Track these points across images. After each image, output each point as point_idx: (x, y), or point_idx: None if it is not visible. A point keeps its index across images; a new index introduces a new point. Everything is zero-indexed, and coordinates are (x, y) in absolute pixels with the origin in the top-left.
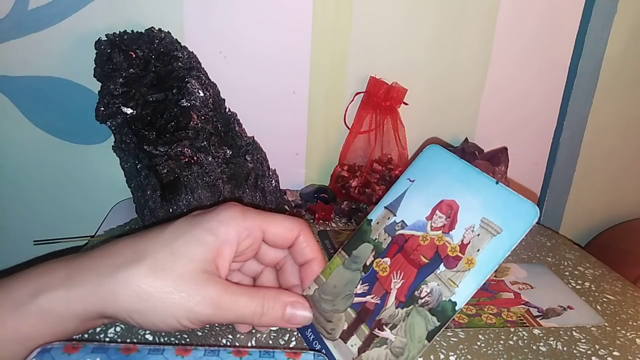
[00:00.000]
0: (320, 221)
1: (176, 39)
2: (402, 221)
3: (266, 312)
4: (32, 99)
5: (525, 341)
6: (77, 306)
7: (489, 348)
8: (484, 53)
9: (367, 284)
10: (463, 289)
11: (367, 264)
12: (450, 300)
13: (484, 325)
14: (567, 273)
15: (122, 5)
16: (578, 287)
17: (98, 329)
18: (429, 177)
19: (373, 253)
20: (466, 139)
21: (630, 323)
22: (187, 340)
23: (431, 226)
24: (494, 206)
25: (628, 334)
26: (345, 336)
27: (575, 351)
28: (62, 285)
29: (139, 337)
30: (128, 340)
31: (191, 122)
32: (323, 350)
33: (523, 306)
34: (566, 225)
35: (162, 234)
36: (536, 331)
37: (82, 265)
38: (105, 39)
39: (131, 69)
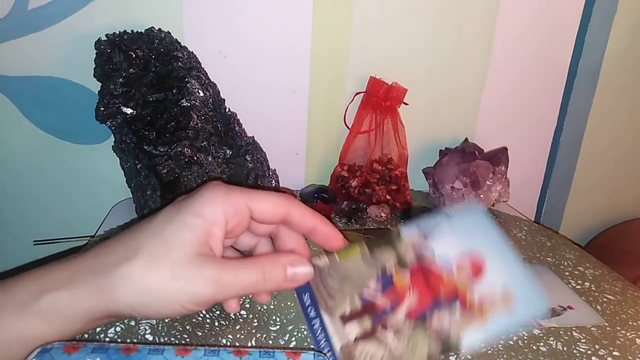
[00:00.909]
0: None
1: (176, 39)
2: (432, 249)
3: (268, 278)
4: (32, 99)
5: (525, 341)
6: (80, 307)
7: (488, 348)
8: (483, 53)
9: (381, 285)
10: (470, 337)
11: (387, 267)
12: (456, 340)
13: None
14: (567, 273)
15: (122, 5)
16: (578, 287)
17: (98, 329)
18: (466, 225)
19: (395, 261)
20: (466, 139)
21: (630, 323)
22: (187, 340)
23: (457, 267)
24: (516, 282)
25: (628, 334)
26: (345, 320)
27: (575, 351)
28: (64, 286)
29: (139, 337)
30: (128, 340)
31: (191, 122)
32: (318, 318)
33: None
34: (566, 225)
35: (150, 224)
36: (536, 331)
37: (81, 267)
38: (105, 39)
39: (131, 69)
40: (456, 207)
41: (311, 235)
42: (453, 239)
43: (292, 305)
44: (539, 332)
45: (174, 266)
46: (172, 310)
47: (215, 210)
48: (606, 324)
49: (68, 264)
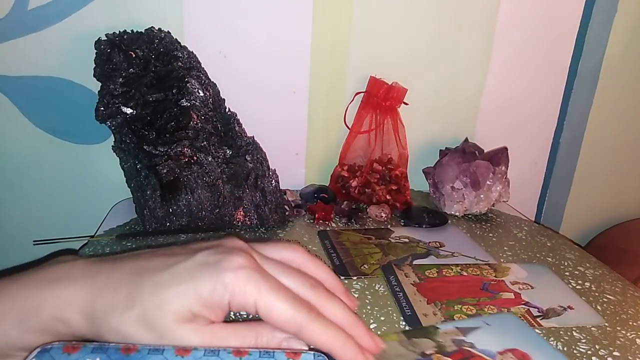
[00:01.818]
0: (320, 221)
1: (176, 39)
2: (472, 343)
3: (260, 347)
4: (32, 99)
5: None
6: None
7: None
8: (484, 53)
9: None
10: None
11: (427, 353)
12: None
13: None
14: (567, 273)
15: (122, 5)
16: (578, 287)
17: None
18: (506, 327)
19: (435, 349)
20: (466, 139)
21: (630, 323)
22: None
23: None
24: None
25: (628, 334)
26: None
27: (575, 351)
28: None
29: None
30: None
31: (191, 122)
32: None
33: (523, 306)
34: (566, 225)
35: (160, 274)
36: (537, 331)
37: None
38: (105, 38)
39: (131, 69)
40: (492, 316)
41: None
42: (494, 338)
43: None
44: (540, 332)
45: (164, 332)
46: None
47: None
48: (606, 324)
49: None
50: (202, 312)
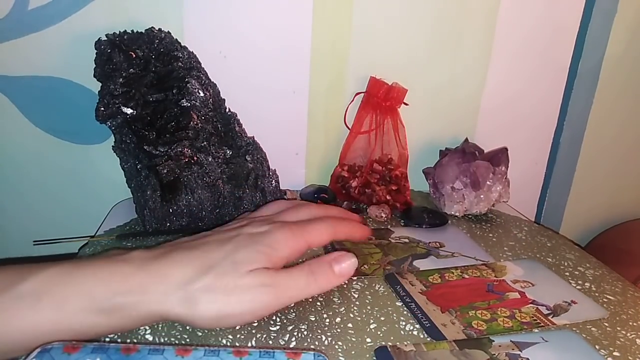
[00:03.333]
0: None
1: (176, 39)
2: (528, 359)
3: (318, 277)
4: (32, 99)
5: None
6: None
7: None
8: (484, 53)
9: None
10: None
11: None
12: None
13: (502, 330)
14: (567, 273)
15: (122, 5)
16: (578, 287)
17: None
18: (565, 346)
19: None
20: (466, 139)
21: (630, 323)
22: (187, 340)
23: None
24: None
25: (628, 334)
26: None
27: None
28: (136, 290)
29: (139, 337)
30: (128, 340)
31: (191, 122)
32: None
33: (532, 305)
34: (566, 226)
35: (224, 246)
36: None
37: (154, 268)
38: (105, 39)
39: (131, 69)
40: (551, 332)
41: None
42: (552, 355)
43: (292, 305)
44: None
45: (236, 280)
46: (234, 321)
47: (285, 249)
48: (606, 324)
49: (135, 262)
50: (265, 265)
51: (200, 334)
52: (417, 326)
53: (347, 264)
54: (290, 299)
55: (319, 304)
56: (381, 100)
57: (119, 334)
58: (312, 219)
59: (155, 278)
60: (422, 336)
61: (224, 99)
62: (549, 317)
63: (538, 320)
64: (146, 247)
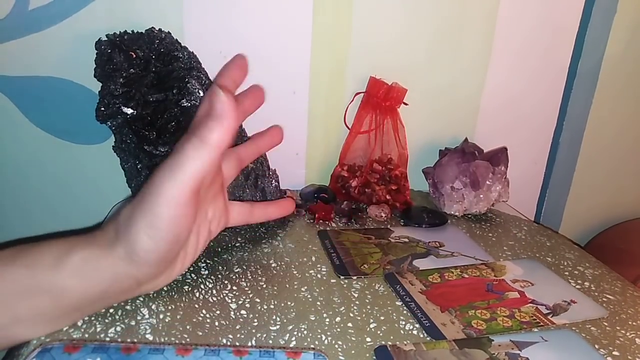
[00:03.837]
0: (320, 221)
1: (176, 39)
2: (527, 358)
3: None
4: (32, 99)
5: None
6: (105, 262)
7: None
8: (483, 53)
9: None
10: None
11: None
12: None
13: (502, 329)
14: (566, 273)
15: (123, 6)
16: (578, 286)
17: (98, 329)
18: (565, 345)
19: None
20: (466, 139)
21: (630, 323)
22: (188, 340)
23: None
24: None
25: (628, 333)
26: None
27: None
28: (92, 243)
29: (139, 336)
30: (128, 340)
31: (191, 123)
32: None
33: (531, 305)
34: (566, 225)
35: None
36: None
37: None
38: (106, 39)
39: (131, 69)
40: (550, 332)
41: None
42: (552, 355)
43: (292, 305)
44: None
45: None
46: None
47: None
48: (606, 323)
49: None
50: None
51: (200, 333)
52: (417, 326)
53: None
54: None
55: (319, 303)
56: (381, 100)
57: (120, 333)
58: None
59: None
60: (421, 336)
61: None
62: (549, 317)
63: (537, 320)
64: None
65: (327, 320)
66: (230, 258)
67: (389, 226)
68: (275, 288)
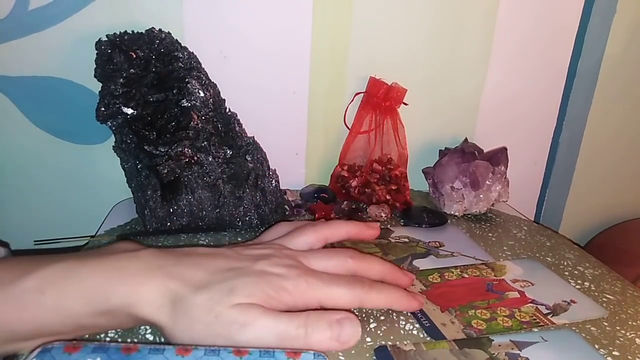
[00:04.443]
0: (320, 221)
1: (176, 40)
2: (527, 358)
3: (309, 333)
4: (32, 99)
5: None
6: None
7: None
8: (483, 53)
9: None
10: None
11: None
12: None
13: (502, 329)
14: (566, 273)
15: (123, 6)
16: (578, 286)
17: None
18: (565, 345)
19: None
20: (466, 139)
21: (630, 323)
22: None
23: None
24: None
25: (628, 333)
26: None
27: None
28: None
29: (140, 336)
30: (128, 340)
31: (191, 122)
32: None
33: (531, 305)
34: (566, 225)
35: (230, 272)
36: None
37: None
38: (106, 39)
39: (132, 69)
40: (550, 332)
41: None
42: (552, 355)
43: None
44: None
45: (222, 309)
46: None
47: (290, 300)
48: (606, 323)
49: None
50: (259, 304)
51: None
52: (417, 325)
53: (349, 331)
54: (266, 344)
55: None
56: (381, 100)
57: (120, 333)
58: (342, 277)
59: (152, 285)
60: (421, 336)
61: (224, 99)
62: (549, 317)
63: (537, 320)
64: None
65: None
66: None
67: (389, 226)
68: None
